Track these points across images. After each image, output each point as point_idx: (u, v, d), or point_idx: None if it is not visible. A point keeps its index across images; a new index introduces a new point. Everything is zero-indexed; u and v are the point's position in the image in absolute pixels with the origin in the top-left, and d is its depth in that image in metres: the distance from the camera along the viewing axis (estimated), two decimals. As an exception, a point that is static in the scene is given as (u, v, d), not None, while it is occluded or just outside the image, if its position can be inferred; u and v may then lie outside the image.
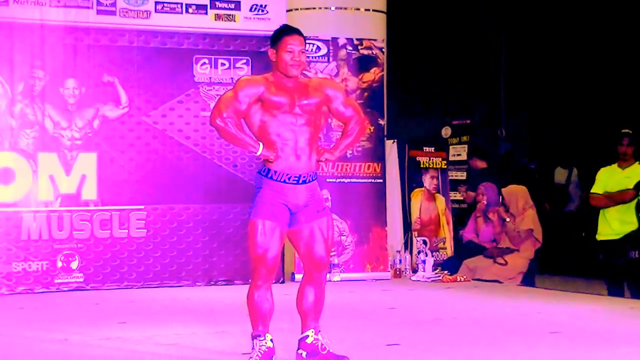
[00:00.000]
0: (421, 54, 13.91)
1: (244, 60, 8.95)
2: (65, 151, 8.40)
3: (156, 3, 8.68)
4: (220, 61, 8.89)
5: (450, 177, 11.02)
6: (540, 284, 9.34)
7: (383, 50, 9.72)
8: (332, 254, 7.68)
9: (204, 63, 8.85)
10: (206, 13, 8.85)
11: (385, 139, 9.75)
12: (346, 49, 9.45)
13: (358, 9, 10.07)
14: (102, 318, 6.85)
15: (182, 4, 8.77)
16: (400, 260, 9.58)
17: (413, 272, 9.50)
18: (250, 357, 4.90)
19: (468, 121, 13.59)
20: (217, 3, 8.88)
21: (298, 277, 8.39)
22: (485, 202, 9.54)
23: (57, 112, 8.40)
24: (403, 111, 13.04)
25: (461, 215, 10.75)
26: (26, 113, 8.31)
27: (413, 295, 8.35)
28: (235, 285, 8.65)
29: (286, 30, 5.02)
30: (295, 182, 4.93)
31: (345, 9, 10.03)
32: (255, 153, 4.95)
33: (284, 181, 4.91)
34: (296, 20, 9.38)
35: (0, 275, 8.16)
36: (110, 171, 8.54)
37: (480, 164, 10.89)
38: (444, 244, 10.17)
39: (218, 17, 8.90)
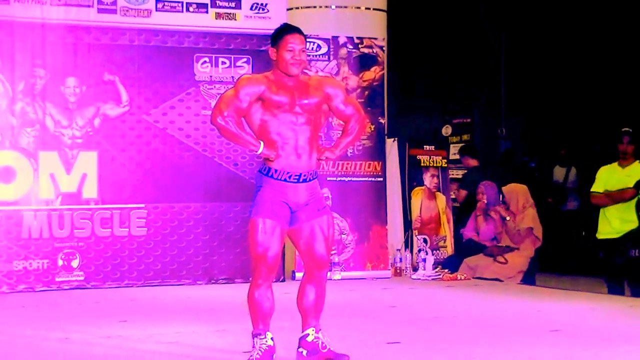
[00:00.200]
0: (422, 53, 13.91)
1: (245, 59, 8.95)
2: (66, 150, 8.40)
3: (157, 2, 8.67)
4: (220, 60, 8.89)
5: (450, 176, 11.01)
6: (540, 282, 9.33)
7: (383, 48, 9.71)
8: (332, 252, 7.71)
9: (205, 62, 8.84)
10: (207, 12, 8.85)
11: (385, 137, 9.75)
12: (347, 47, 9.45)
13: (358, 8, 10.08)
14: (102, 316, 6.85)
15: (182, 2, 8.76)
16: (400, 259, 9.57)
17: (413, 270, 9.50)
18: (251, 356, 4.91)
19: (468, 120, 13.62)
20: (217, 2, 8.87)
21: (298, 275, 8.40)
22: (485, 201, 9.55)
23: (57, 111, 8.40)
24: (403, 110, 13.04)
25: (457, 214, 10.74)
26: (27, 112, 8.31)
27: (413, 294, 8.35)
28: (236, 284, 8.65)
29: (287, 29, 5.01)
30: (295, 180, 4.93)
31: (346, 7, 10.04)
32: (256, 152, 4.95)
33: (285, 180, 4.92)
34: (297, 18, 9.39)
35: (1, 274, 8.16)
36: (110, 170, 8.54)
37: (472, 162, 10.90)
38: (444, 242, 10.17)
39: (219, 15, 8.90)
